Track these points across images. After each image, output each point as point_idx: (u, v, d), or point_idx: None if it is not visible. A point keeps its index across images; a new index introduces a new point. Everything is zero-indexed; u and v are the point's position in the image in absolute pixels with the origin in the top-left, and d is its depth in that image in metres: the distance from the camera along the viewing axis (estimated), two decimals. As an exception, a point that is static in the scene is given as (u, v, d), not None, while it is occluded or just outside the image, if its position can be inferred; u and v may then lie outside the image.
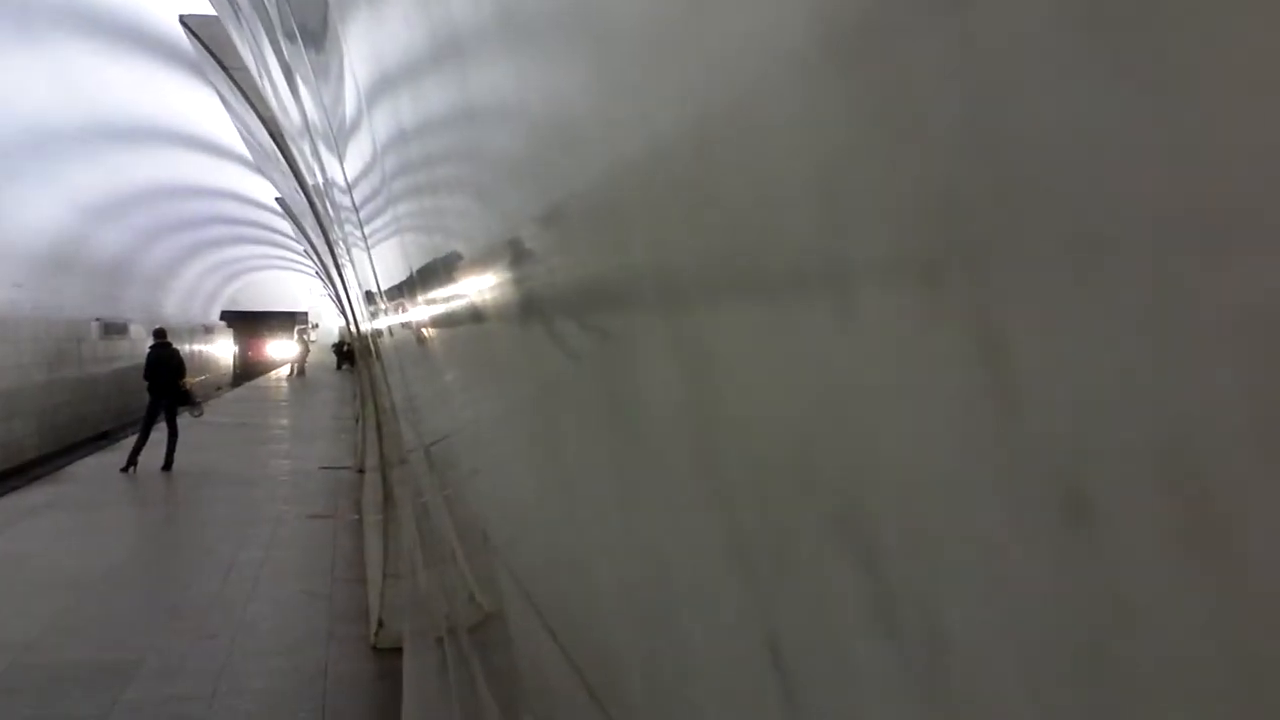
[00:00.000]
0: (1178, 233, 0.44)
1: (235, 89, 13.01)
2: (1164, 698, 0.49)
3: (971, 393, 0.59)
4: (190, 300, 41.13)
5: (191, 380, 19.98)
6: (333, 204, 8.16)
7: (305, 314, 62.17)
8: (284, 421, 28.90)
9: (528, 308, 1.75)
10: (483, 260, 2.11)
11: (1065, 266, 0.50)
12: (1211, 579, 0.45)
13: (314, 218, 13.58)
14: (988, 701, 0.64)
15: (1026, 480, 0.56)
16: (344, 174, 5.53)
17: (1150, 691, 0.50)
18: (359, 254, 6.95)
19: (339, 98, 4.26)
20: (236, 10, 8.17)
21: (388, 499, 10.69)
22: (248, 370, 54.38)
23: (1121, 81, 0.45)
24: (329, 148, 5.80)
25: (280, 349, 59.93)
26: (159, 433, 18.13)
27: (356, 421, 22.43)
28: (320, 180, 8.38)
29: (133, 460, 17.76)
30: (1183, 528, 0.46)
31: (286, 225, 29.17)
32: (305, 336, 57.24)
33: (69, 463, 19.74)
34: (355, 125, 4.08)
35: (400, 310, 5.14)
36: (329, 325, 61.90)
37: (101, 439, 24.75)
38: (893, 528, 0.72)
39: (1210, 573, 0.45)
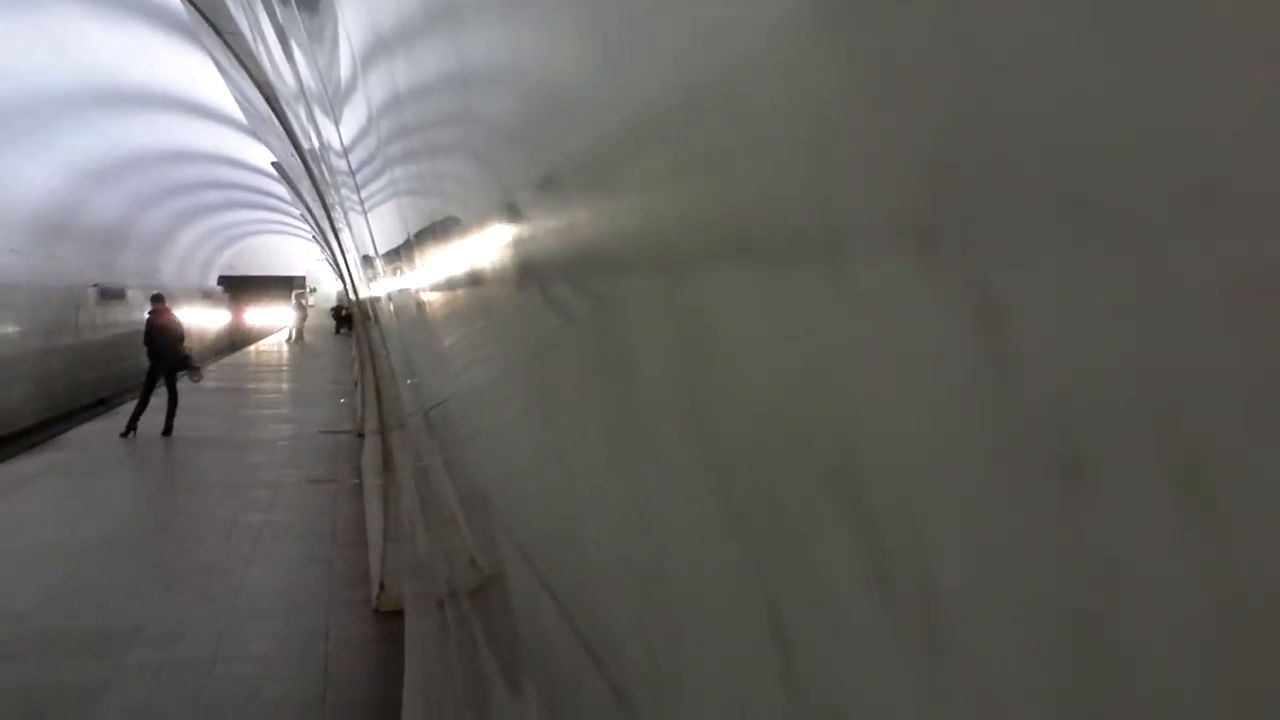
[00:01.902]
0: (1172, 199, 0.44)
1: (229, 53, 12.94)
2: (1157, 660, 0.50)
3: (966, 358, 0.60)
4: (187, 266, 41.04)
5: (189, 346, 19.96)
6: (329, 168, 8.14)
7: (303, 279, 61.99)
8: (283, 386, 28.93)
9: (525, 272, 1.75)
10: (480, 225, 2.11)
11: (1059, 232, 0.50)
12: (1204, 541, 0.45)
13: (310, 182, 13.56)
14: (984, 664, 0.65)
15: (1021, 445, 0.56)
16: (340, 138, 5.52)
17: (1143, 654, 0.50)
18: (356, 218, 6.94)
19: (333, 61, 4.25)
20: (230, -26, 8.13)
21: (387, 463, 10.71)
22: (243, 338, 53.97)
23: (1116, 50, 0.45)
24: (324, 112, 5.79)
25: (278, 315, 58.95)
26: (159, 398, 18.14)
27: (355, 386, 22.45)
28: (316, 144, 8.35)
29: (132, 425, 17.78)
30: (1176, 492, 0.46)
31: (283, 190, 29.08)
32: (303, 301, 57.07)
33: (67, 429, 19.75)
34: (350, 89, 4.06)
35: (398, 274, 5.13)
36: (327, 290, 61.75)
37: (99, 405, 24.75)
38: (889, 492, 0.72)
39: (1203, 535, 0.45)
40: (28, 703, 6.85)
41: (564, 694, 2.31)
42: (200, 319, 41.33)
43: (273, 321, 58.89)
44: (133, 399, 19.09)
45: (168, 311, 19.29)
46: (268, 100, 12.65)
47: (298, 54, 5.77)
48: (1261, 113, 0.39)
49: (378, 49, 2.92)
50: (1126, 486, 0.49)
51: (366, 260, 7.87)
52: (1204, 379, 0.44)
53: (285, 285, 59.13)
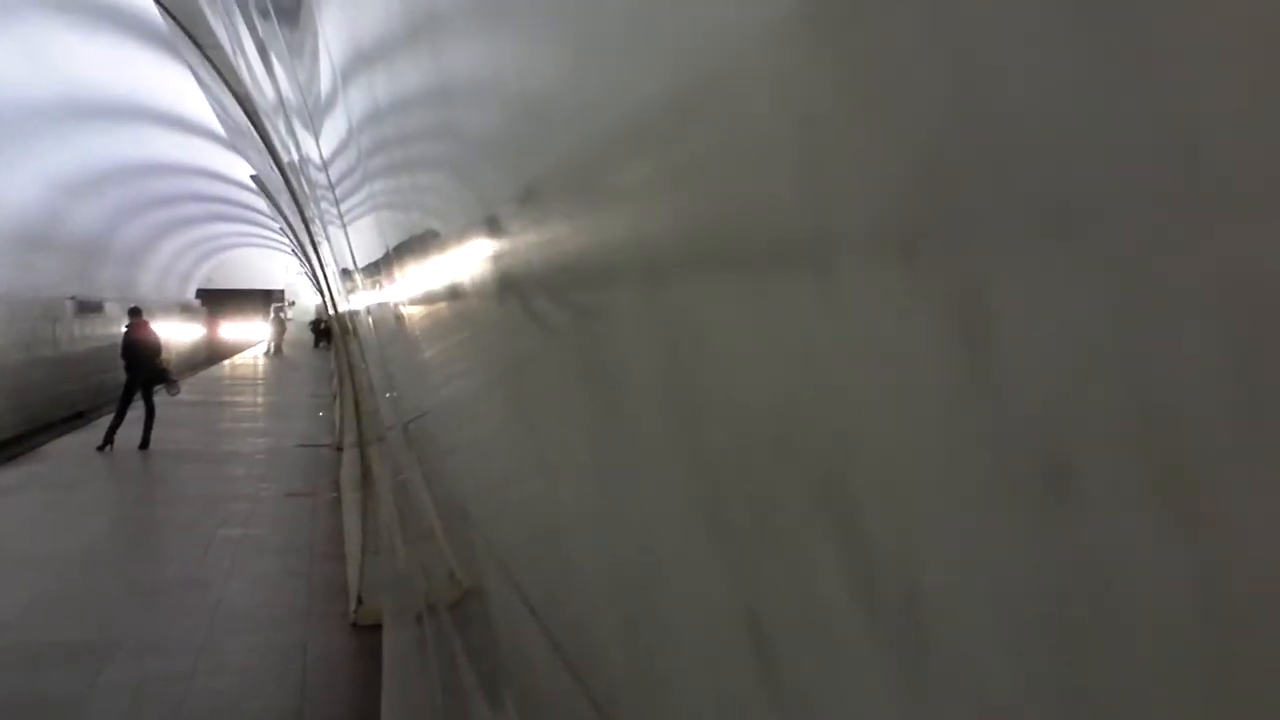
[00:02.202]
0: (1156, 207, 0.44)
1: (209, 66, 12.92)
2: (1140, 662, 0.50)
3: (952, 365, 0.60)
4: (166, 278, 40.87)
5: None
6: (308, 181, 8.13)
7: (282, 292, 61.80)
8: (261, 399, 28.82)
9: (505, 284, 1.75)
10: (460, 237, 2.10)
11: (1045, 240, 0.50)
12: (1186, 545, 0.46)
13: (289, 195, 13.53)
14: (969, 668, 0.65)
15: (1006, 450, 0.56)
16: (319, 151, 5.51)
17: (1127, 656, 0.50)
18: (335, 231, 6.93)
19: (313, 74, 4.24)
20: (210, -14, 8.12)
21: (366, 476, 10.68)
22: (216, 353, 52.97)
23: (1101, 58, 0.45)
24: (304, 125, 5.78)
25: (254, 330, 57.25)
26: (136, 411, 18.05)
27: (334, 399, 22.39)
28: (295, 157, 8.34)
29: (109, 439, 17.69)
30: (1160, 497, 0.46)
31: (262, 203, 29.02)
32: (282, 315, 56.84)
33: (45, 442, 19.64)
34: (330, 102, 4.06)
35: (377, 288, 5.13)
36: (305, 303, 61.52)
37: (77, 418, 24.62)
38: (873, 499, 0.72)
39: (1185, 539, 0.46)
40: (7, 715, 6.80)
41: (543, 707, 2.30)
42: (173, 334, 40.09)
43: (248, 336, 57.60)
44: (111, 412, 19.00)
45: (145, 325, 19.21)
46: (247, 113, 12.63)
47: (278, 67, 5.76)
48: (1246, 123, 0.39)
49: (357, 62, 2.92)
50: (1111, 491, 0.49)
51: (346, 273, 7.86)
52: (1188, 385, 0.44)
53: (262, 299, 58.34)
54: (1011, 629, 0.59)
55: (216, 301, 55.14)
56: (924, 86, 0.57)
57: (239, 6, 6.24)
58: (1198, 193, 0.42)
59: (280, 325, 53.36)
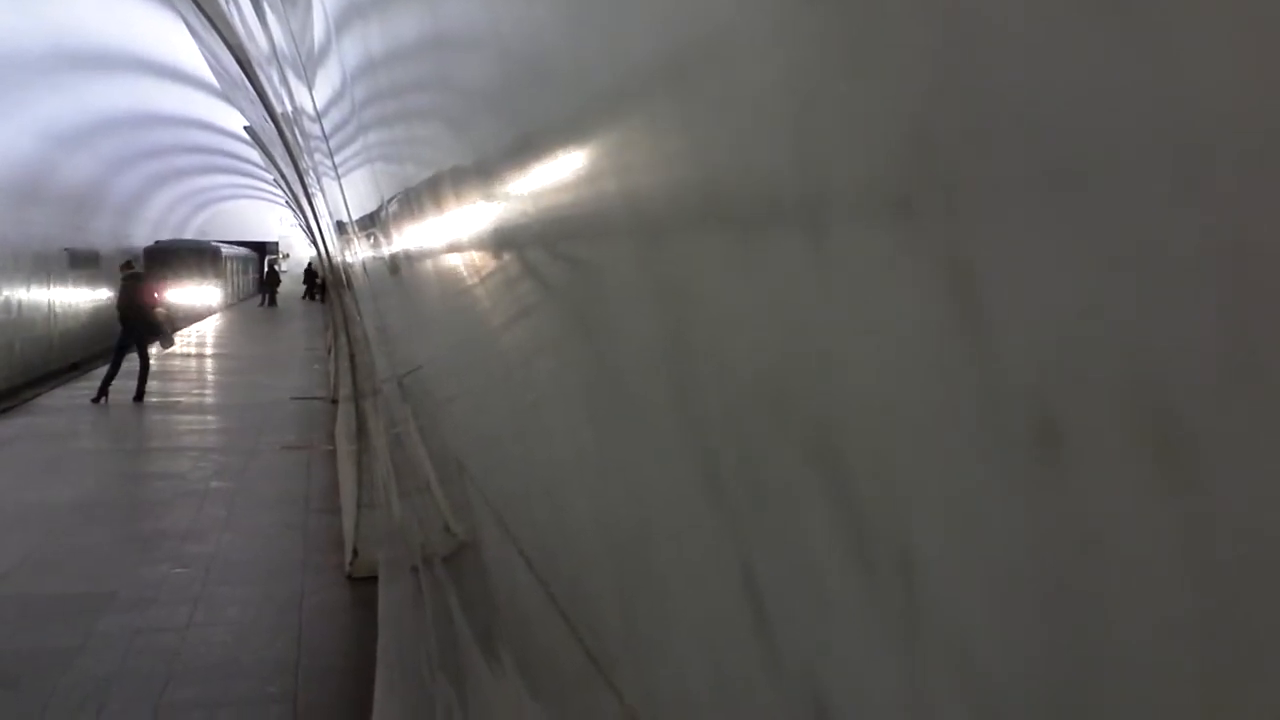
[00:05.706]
0: (1149, 166, 0.44)
1: (202, 15, 12.84)
2: (1131, 623, 0.50)
3: (943, 324, 0.60)
4: (159, 230, 40.72)
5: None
6: (302, 132, 8.09)
7: (276, 244, 61.74)
8: (256, 352, 28.82)
9: (500, 238, 1.74)
10: (455, 190, 2.10)
11: (1036, 199, 0.50)
12: (1178, 507, 0.46)
13: (283, 147, 13.48)
14: (958, 629, 0.65)
15: (997, 411, 0.56)
16: (313, 102, 5.48)
17: (1119, 618, 0.51)
18: (329, 183, 6.91)
19: (306, 24, 4.22)
20: (202, -65, 8.06)
21: (361, 429, 10.70)
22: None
23: (1097, 23, 0.45)
24: (297, 75, 5.75)
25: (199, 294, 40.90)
26: (130, 363, 18.06)
27: (329, 352, 22.42)
28: (289, 108, 8.30)
29: (103, 391, 17.71)
30: (1150, 457, 0.46)
31: (256, 154, 28.93)
32: (276, 266, 56.84)
33: (39, 394, 19.65)
34: (324, 52, 4.04)
35: (372, 240, 5.11)
36: (300, 255, 61.45)
37: (71, 370, 24.62)
38: (865, 458, 0.72)
39: (1177, 501, 0.46)
40: (3, 665, 6.84)
41: (538, 658, 2.31)
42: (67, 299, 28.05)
43: (194, 302, 41.02)
44: (105, 364, 19.01)
45: (140, 278, 19.20)
46: (240, 63, 12.57)
47: (270, 16, 5.73)
48: (1239, 90, 0.39)
49: (351, 11, 2.90)
50: (1102, 454, 0.49)
51: (340, 226, 7.84)
52: (1179, 348, 0.44)
53: (211, 257, 42.68)
54: (1003, 588, 0.59)
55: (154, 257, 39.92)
56: (919, 46, 0.57)
57: (231, -44, 6.20)
58: (1192, 154, 0.41)
59: (274, 278, 53.44)
